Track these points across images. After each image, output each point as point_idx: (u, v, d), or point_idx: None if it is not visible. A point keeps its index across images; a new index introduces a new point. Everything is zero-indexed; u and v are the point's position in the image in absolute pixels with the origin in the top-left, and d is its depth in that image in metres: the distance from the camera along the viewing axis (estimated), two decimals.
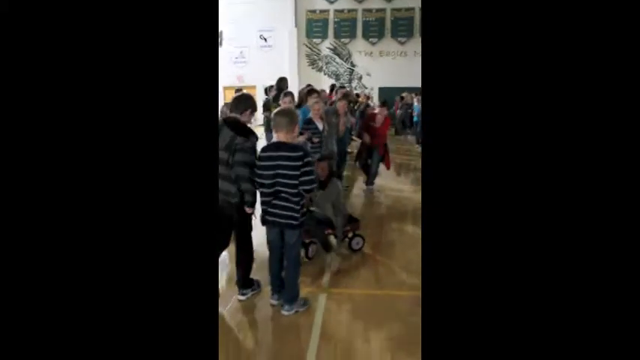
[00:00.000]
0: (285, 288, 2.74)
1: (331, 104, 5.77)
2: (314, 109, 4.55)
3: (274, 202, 2.57)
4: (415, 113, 10.61)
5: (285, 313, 2.71)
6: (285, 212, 2.56)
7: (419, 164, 7.75)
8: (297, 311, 2.73)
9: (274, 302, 2.81)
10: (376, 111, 6.05)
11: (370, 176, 5.95)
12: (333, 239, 3.60)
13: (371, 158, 5.80)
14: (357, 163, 6.19)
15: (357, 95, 11.49)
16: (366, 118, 6.45)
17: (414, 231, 4.25)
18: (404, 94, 12.54)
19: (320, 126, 4.54)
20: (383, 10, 14.53)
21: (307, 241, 3.44)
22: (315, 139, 4.40)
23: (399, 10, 14.44)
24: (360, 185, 6.27)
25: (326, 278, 3.29)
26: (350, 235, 3.71)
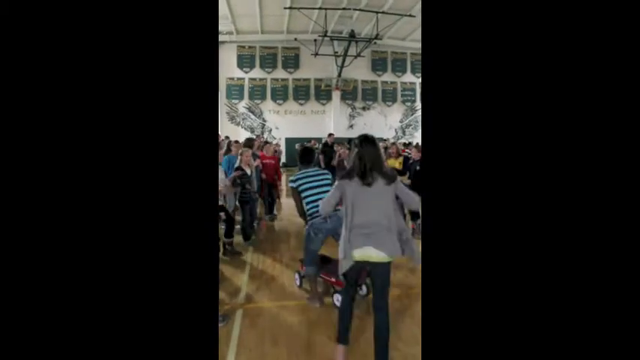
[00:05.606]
0: None
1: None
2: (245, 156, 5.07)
3: None
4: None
5: None
6: None
7: None
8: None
9: None
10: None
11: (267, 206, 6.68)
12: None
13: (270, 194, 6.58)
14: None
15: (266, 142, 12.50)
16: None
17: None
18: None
19: (248, 171, 5.02)
20: (286, 79, 17.16)
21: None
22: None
23: (298, 79, 17.29)
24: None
25: (242, 295, 3.51)
26: None
